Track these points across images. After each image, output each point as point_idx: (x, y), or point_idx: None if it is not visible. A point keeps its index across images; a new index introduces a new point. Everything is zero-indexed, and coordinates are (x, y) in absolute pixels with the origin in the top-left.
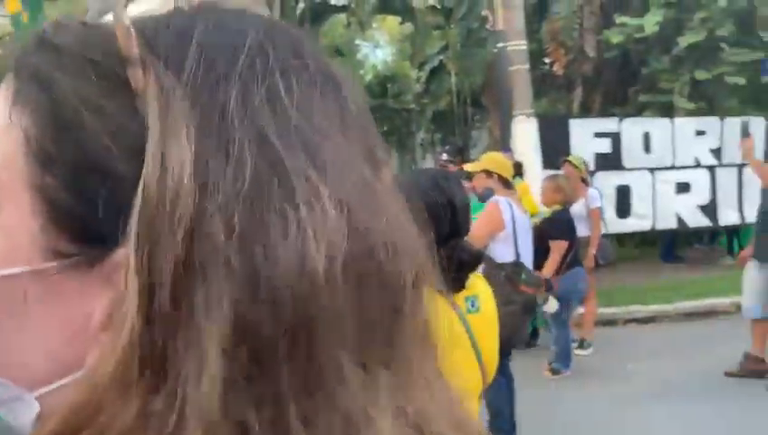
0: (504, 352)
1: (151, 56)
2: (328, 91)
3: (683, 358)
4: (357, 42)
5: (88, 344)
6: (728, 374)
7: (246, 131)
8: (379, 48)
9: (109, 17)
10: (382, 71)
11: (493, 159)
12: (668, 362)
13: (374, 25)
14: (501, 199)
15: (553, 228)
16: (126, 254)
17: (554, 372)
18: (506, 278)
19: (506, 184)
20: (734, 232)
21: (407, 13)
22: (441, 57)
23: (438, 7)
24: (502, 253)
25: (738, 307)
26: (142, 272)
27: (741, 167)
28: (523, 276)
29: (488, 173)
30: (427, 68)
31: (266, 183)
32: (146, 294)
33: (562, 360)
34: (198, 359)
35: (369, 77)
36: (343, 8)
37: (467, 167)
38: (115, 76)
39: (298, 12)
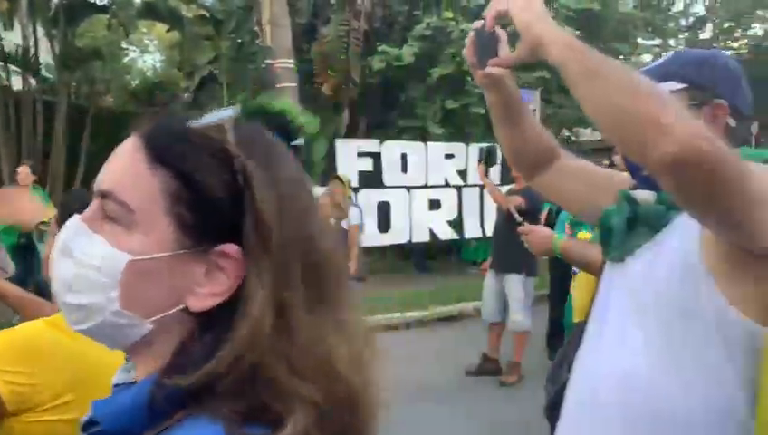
0: None
1: (241, 147)
2: None
3: (435, 360)
4: (123, 45)
5: (187, 293)
6: (468, 374)
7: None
8: (147, 53)
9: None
10: (151, 77)
11: None
12: (422, 364)
13: (143, 30)
14: None
15: None
16: (227, 247)
17: None
18: None
19: None
20: (478, 245)
21: (174, 20)
22: (211, 68)
23: (208, 16)
24: None
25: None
26: (255, 259)
27: (482, 187)
28: None
29: None
30: (197, 77)
31: (302, 217)
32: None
33: None
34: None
35: (136, 82)
36: (104, 9)
37: None
38: (220, 154)
39: (51, 8)
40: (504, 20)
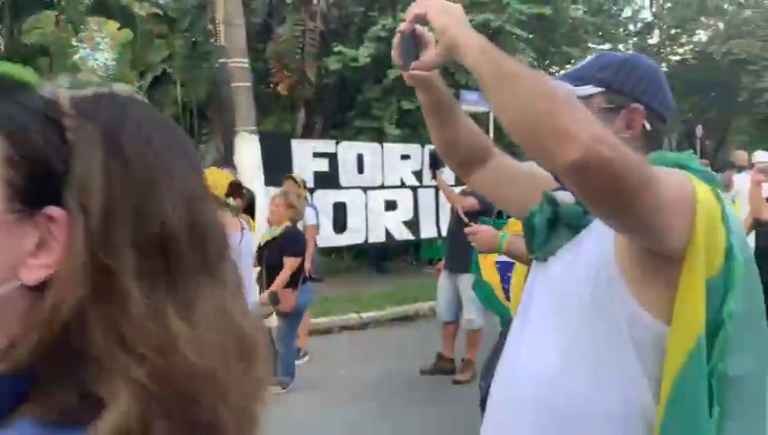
0: None
1: (79, 111)
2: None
3: (391, 360)
4: (73, 42)
5: (20, 265)
6: (423, 373)
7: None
8: (98, 51)
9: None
10: (102, 75)
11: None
12: (378, 364)
13: (94, 27)
14: None
15: (289, 244)
16: (52, 211)
17: (282, 385)
18: None
19: (219, 203)
20: (433, 245)
21: (126, 18)
22: (165, 66)
23: (161, 14)
24: None
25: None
26: (74, 222)
27: (437, 188)
28: None
29: None
30: (150, 76)
31: (147, 185)
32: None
33: (290, 372)
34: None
35: None
36: (51, 4)
37: None
38: (54, 121)
39: None
40: (423, 23)
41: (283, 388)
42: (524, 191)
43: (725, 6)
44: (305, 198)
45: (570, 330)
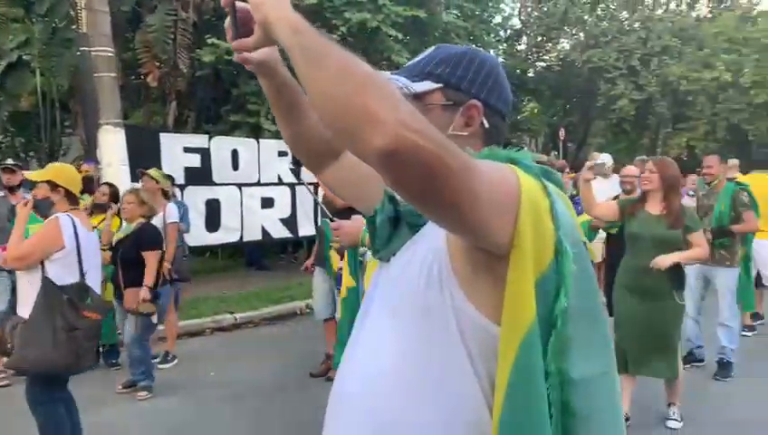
0: (65, 378)
1: None
2: None
3: (267, 360)
4: None
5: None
6: (312, 375)
7: None
8: None
9: None
10: None
11: (60, 171)
12: (252, 365)
13: None
14: (62, 215)
15: (145, 238)
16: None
17: (146, 390)
18: (69, 303)
19: (72, 199)
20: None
21: None
22: (21, 53)
23: None
24: (62, 274)
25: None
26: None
27: (317, 184)
28: (89, 300)
29: (53, 185)
30: (4, 62)
31: None
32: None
33: (149, 376)
34: None
35: None
36: None
37: (30, 175)
38: None
39: None
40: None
41: (149, 392)
42: (377, 190)
43: (586, 18)
44: (172, 194)
45: (404, 331)
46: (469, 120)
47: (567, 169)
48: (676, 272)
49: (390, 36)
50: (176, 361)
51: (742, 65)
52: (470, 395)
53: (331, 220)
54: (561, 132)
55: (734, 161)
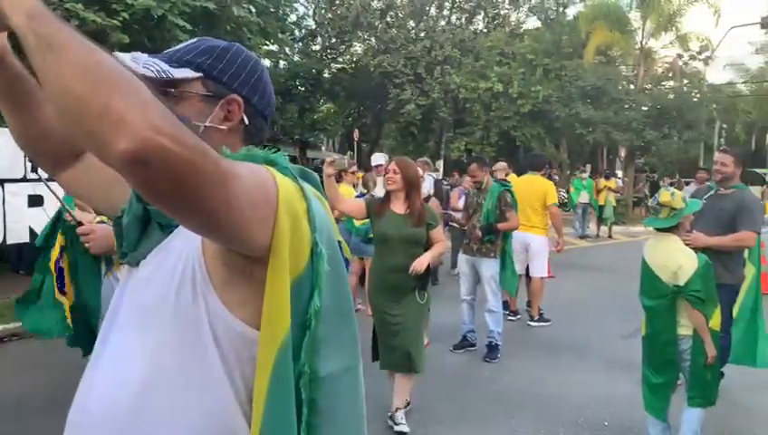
0: None
1: None
2: None
3: (33, 376)
4: None
5: None
6: None
7: None
8: None
9: None
10: None
11: None
12: (16, 382)
13: None
14: None
15: None
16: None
17: None
18: None
19: None
20: None
21: None
22: None
23: None
24: None
25: None
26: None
27: None
28: None
29: None
30: None
31: None
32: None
33: None
34: None
35: None
36: None
37: None
38: None
39: None
40: None
41: None
42: (126, 189)
43: (377, 24)
44: None
45: (154, 340)
46: (229, 114)
47: (354, 169)
48: (423, 272)
49: (178, 26)
50: None
51: (511, 77)
52: (224, 403)
53: (79, 224)
54: (356, 133)
55: (501, 164)
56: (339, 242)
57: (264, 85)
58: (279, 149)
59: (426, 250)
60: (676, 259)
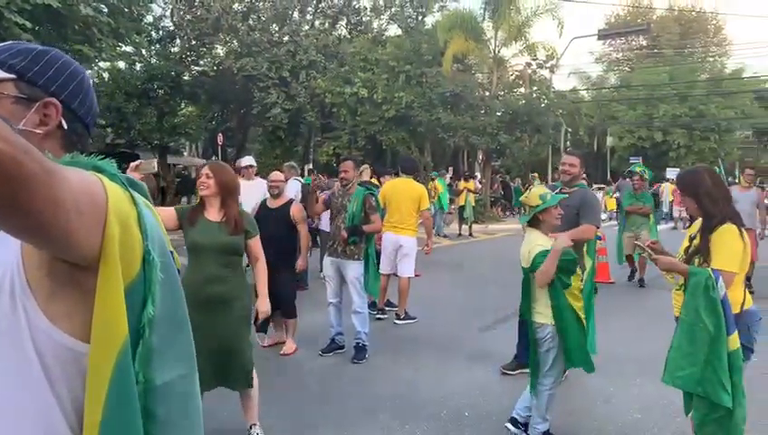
0: None
1: None
2: None
3: None
4: None
5: None
6: None
7: None
8: None
9: None
10: None
11: None
12: None
13: None
14: None
15: None
16: None
17: None
18: None
19: None
20: None
21: None
22: None
23: None
24: None
25: None
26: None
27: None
28: None
29: None
30: None
31: None
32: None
33: None
34: None
35: None
36: None
37: None
38: None
39: None
40: None
41: None
42: None
43: (239, 26)
44: None
45: None
46: (45, 118)
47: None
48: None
49: (18, 24)
50: None
51: (375, 83)
52: (51, 424)
53: None
54: (220, 137)
55: (364, 166)
56: (171, 252)
57: (84, 91)
58: (105, 157)
59: (241, 258)
60: (533, 250)
